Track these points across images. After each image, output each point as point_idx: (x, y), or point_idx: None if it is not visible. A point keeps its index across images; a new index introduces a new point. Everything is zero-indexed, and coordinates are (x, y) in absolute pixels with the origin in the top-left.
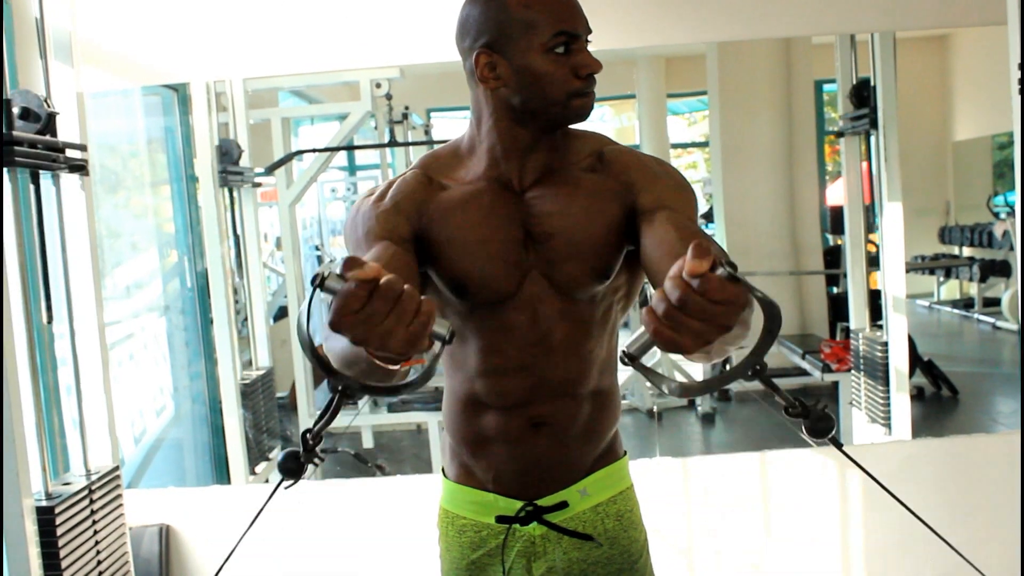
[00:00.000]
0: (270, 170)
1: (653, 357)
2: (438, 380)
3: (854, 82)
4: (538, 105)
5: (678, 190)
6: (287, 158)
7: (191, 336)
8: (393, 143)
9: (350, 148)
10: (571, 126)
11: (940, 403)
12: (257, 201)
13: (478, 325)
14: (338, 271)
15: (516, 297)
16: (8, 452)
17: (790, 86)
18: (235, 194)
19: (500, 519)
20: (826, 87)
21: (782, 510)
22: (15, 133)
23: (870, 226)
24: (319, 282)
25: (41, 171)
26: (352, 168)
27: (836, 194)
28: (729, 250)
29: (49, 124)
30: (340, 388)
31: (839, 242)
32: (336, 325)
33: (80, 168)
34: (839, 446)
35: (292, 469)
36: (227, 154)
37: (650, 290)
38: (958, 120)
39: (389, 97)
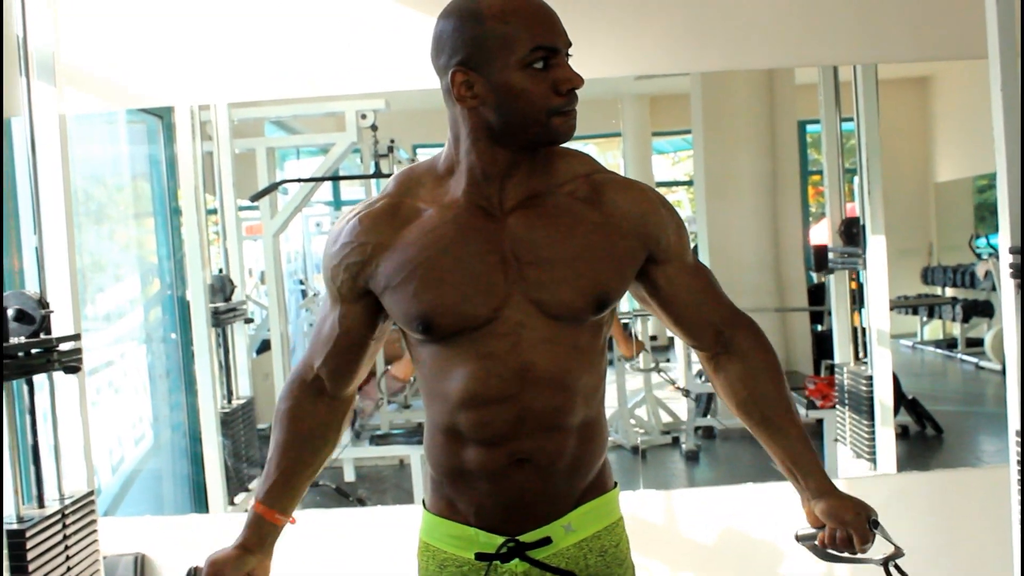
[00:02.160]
0: (254, 199)
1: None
2: (421, 415)
3: (838, 122)
4: (517, 124)
5: (679, 229)
6: (271, 187)
7: (172, 366)
8: (379, 175)
9: (335, 179)
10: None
11: (925, 441)
12: (242, 235)
13: (455, 353)
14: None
15: (495, 323)
16: None
17: (774, 125)
18: (227, 330)
19: (480, 556)
20: (809, 127)
21: (767, 544)
22: (10, 342)
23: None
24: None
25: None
26: (338, 203)
27: (820, 233)
28: None
29: (43, 324)
30: None
31: (823, 280)
32: None
33: (74, 369)
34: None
35: None
36: (219, 291)
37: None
38: (940, 162)
39: (375, 128)
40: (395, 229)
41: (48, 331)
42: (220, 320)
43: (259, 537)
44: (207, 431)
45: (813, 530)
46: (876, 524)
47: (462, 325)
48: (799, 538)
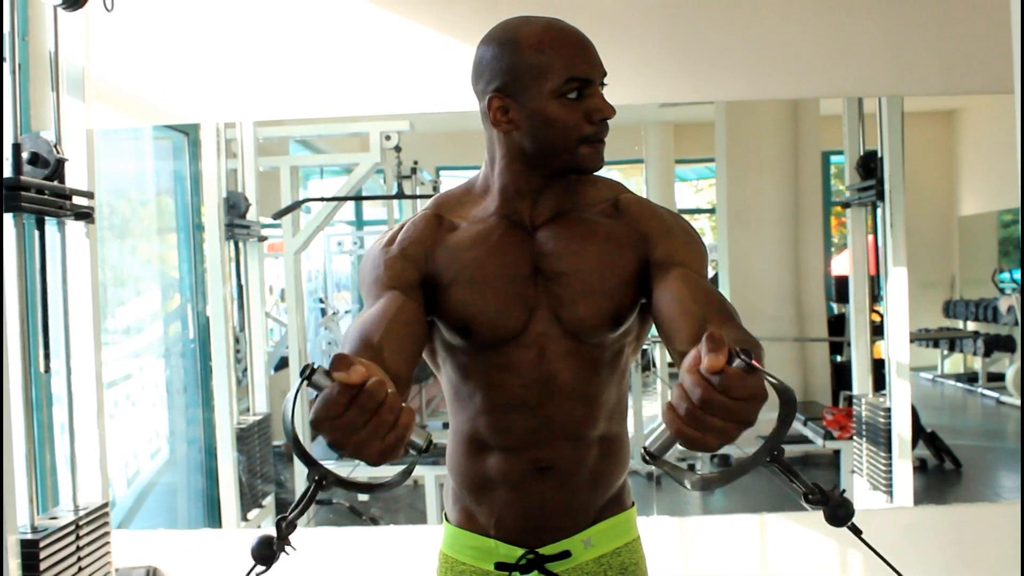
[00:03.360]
0: (277, 217)
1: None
2: (437, 436)
3: (861, 153)
4: (548, 150)
5: (690, 243)
6: (294, 205)
7: (190, 381)
8: (401, 195)
9: (358, 199)
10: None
11: (943, 475)
12: (263, 253)
13: (483, 361)
14: (327, 367)
15: (522, 335)
16: None
17: (797, 156)
18: (240, 246)
19: (500, 566)
20: (833, 159)
21: (780, 574)
22: (22, 178)
23: (875, 296)
24: (308, 374)
25: (47, 217)
26: (360, 223)
27: (842, 264)
28: None
29: (57, 170)
30: (317, 479)
31: (843, 311)
32: (315, 426)
33: (86, 216)
34: (858, 533)
35: (265, 556)
36: (235, 207)
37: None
38: (964, 195)
39: (398, 150)
40: (443, 233)
41: (62, 180)
42: (235, 233)
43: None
44: (223, 446)
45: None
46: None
47: (496, 335)
48: (649, 453)
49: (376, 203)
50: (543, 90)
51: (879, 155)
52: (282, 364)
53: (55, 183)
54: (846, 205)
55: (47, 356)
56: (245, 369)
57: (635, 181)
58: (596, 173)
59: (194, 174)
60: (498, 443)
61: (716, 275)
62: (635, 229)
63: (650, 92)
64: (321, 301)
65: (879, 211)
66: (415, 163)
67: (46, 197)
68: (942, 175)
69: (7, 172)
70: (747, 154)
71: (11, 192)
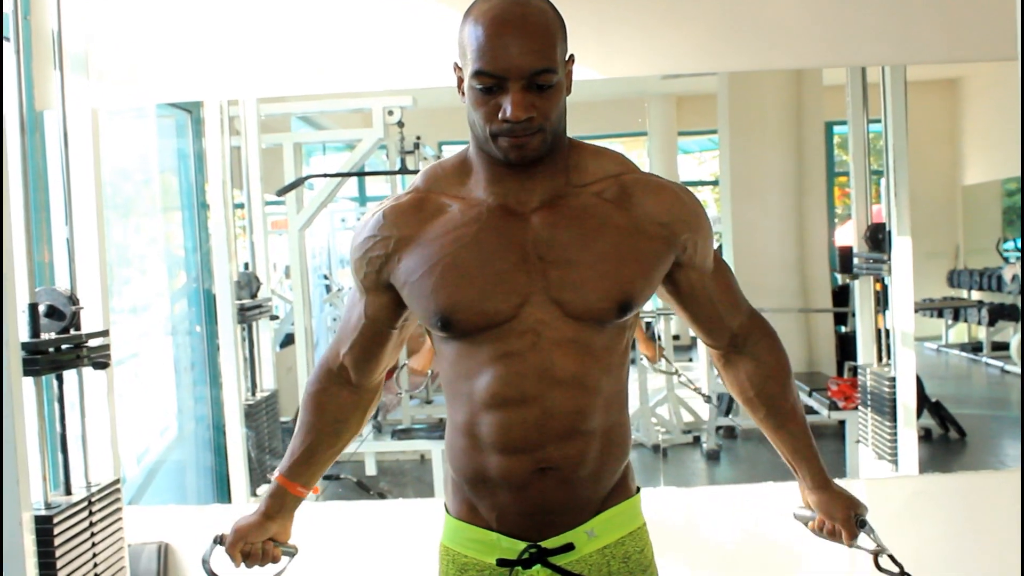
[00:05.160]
0: (280, 193)
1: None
2: (442, 411)
3: (866, 124)
4: (479, 135)
5: (709, 234)
6: (298, 182)
7: (197, 358)
8: (404, 170)
9: (360, 174)
10: (587, 143)
11: (947, 445)
12: (268, 229)
13: (477, 352)
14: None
15: (515, 321)
16: (9, 463)
17: (800, 126)
18: (252, 325)
19: (501, 562)
20: (836, 129)
21: (787, 543)
22: (41, 338)
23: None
24: (219, 541)
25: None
26: (363, 199)
27: (846, 235)
28: None
29: (74, 320)
30: None
31: (847, 281)
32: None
33: (102, 365)
34: None
35: None
36: (246, 287)
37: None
38: (968, 164)
39: (401, 125)
40: (419, 223)
41: (78, 327)
42: (246, 317)
43: (280, 506)
44: (231, 423)
45: (809, 512)
46: (864, 524)
47: (482, 322)
48: (796, 516)
49: (379, 179)
50: (467, 73)
51: (883, 125)
52: (288, 341)
53: (72, 333)
54: (849, 176)
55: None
56: (252, 345)
57: (637, 153)
58: (597, 144)
59: (197, 152)
60: (497, 442)
61: (720, 247)
62: (654, 222)
63: (652, 64)
64: (325, 277)
65: (883, 182)
66: (418, 138)
67: (64, 350)
68: (945, 144)
69: (24, 336)
70: (750, 125)
71: (30, 357)
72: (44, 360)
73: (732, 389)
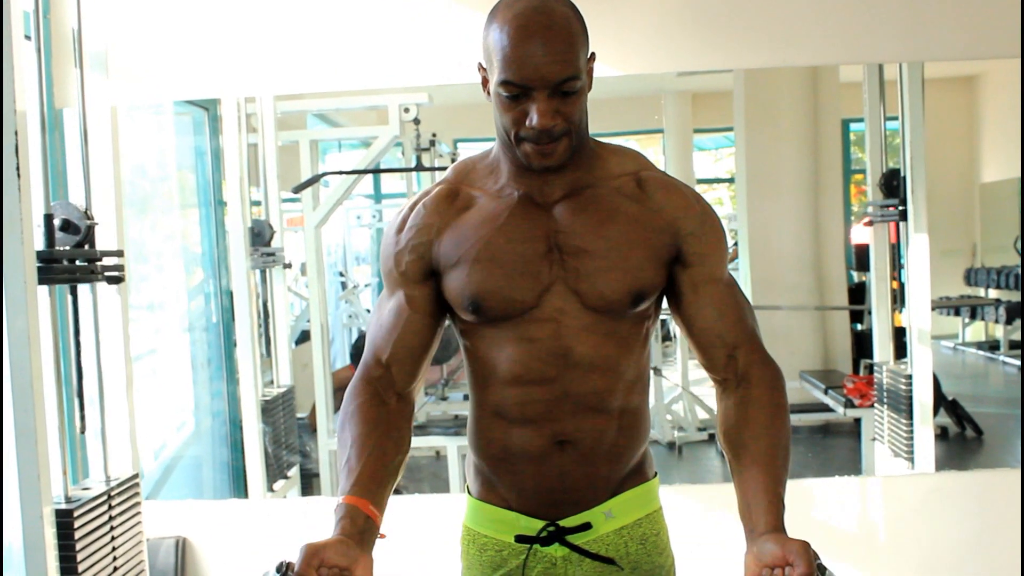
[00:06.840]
0: (297, 191)
1: (673, 392)
2: (458, 408)
3: (883, 121)
4: (503, 138)
5: (717, 240)
6: (314, 179)
7: (214, 355)
8: (420, 167)
9: (376, 171)
10: (606, 141)
11: (964, 443)
12: (284, 226)
13: (500, 336)
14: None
15: (537, 310)
16: (29, 457)
17: (817, 124)
18: (266, 274)
19: (520, 539)
20: (853, 126)
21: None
22: (55, 248)
23: (895, 264)
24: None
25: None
26: (379, 196)
27: (862, 233)
28: (753, 285)
29: (88, 235)
30: None
31: (863, 279)
32: None
33: (117, 279)
34: None
35: None
36: (259, 235)
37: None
38: (985, 162)
39: (417, 122)
40: (454, 213)
41: (92, 244)
42: (261, 263)
43: (357, 528)
44: (248, 418)
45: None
46: (823, 568)
47: (508, 309)
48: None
49: (395, 176)
50: (493, 79)
51: (900, 124)
52: (303, 337)
53: (86, 248)
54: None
55: (83, 418)
56: (268, 342)
57: (653, 151)
58: (614, 143)
59: (214, 149)
60: (518, 417)
61: (736, 244)
62: (663, 215)
63: (668, 61)
64: (341, 275)
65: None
66: (433, 135)
67: (78, 265)
68: (963, 141)
69: (39, 244)
70: (766, 123)
71: (45, 265)
72: (59, 269)
73: (718, 420)
